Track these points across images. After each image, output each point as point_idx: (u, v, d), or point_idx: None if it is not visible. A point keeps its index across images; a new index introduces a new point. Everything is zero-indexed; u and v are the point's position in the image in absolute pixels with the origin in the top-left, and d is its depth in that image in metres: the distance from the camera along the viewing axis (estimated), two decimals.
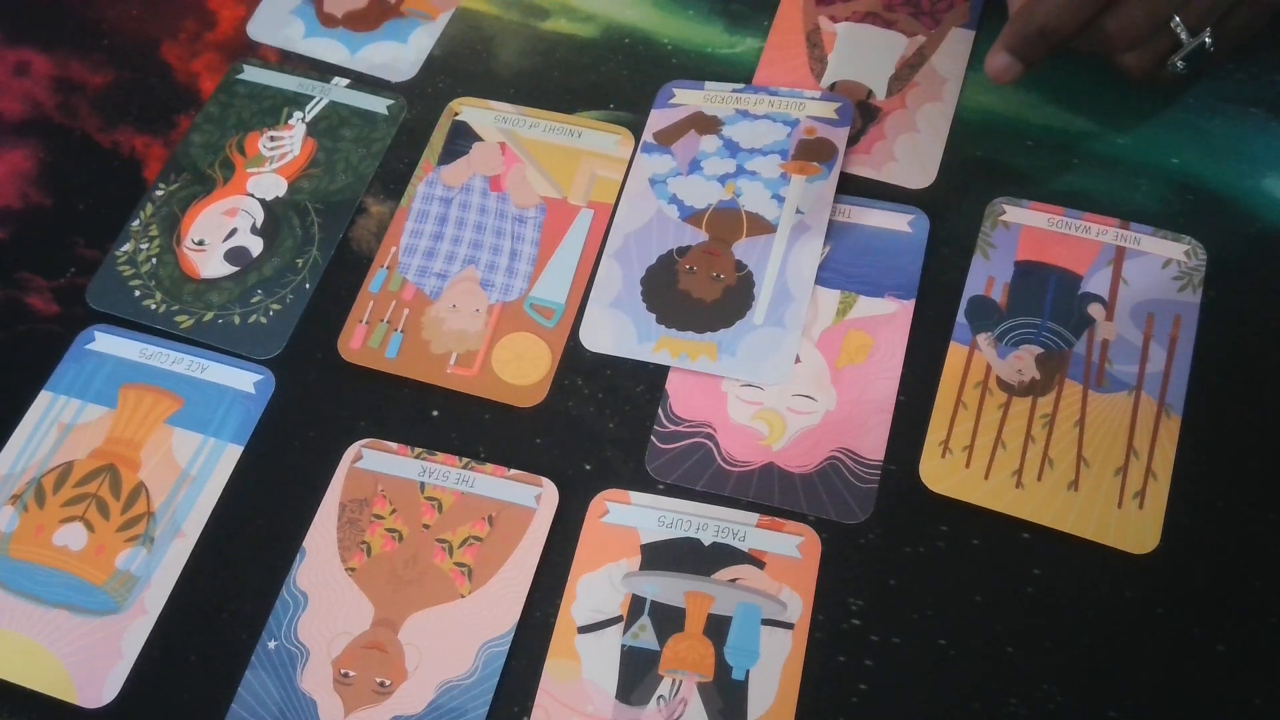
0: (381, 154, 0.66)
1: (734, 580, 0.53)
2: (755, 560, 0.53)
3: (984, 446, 0.55)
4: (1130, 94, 0.62)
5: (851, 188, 0.62)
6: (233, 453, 0.58)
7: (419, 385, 0.59)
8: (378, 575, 0.54)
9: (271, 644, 0.53)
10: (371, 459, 0.57)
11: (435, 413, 0.58)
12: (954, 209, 0.61)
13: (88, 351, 0.61)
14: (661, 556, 0.54)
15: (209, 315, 0.62)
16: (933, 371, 0.57)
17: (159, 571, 0.55)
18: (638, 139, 0.65)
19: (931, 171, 0.62)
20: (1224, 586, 0.51)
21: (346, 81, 0.68)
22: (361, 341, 0.60)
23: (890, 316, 0.58)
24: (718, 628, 0.52)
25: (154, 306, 0.62)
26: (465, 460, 0.56)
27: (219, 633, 0.54)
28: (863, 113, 0.64)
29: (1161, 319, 0.57)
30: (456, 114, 0.66)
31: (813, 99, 0.64)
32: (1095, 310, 0.57)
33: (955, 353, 0.57)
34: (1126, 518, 0.53)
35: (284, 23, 0.71)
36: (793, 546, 0.53)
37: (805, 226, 0.60)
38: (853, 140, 0.63)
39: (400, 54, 0.69)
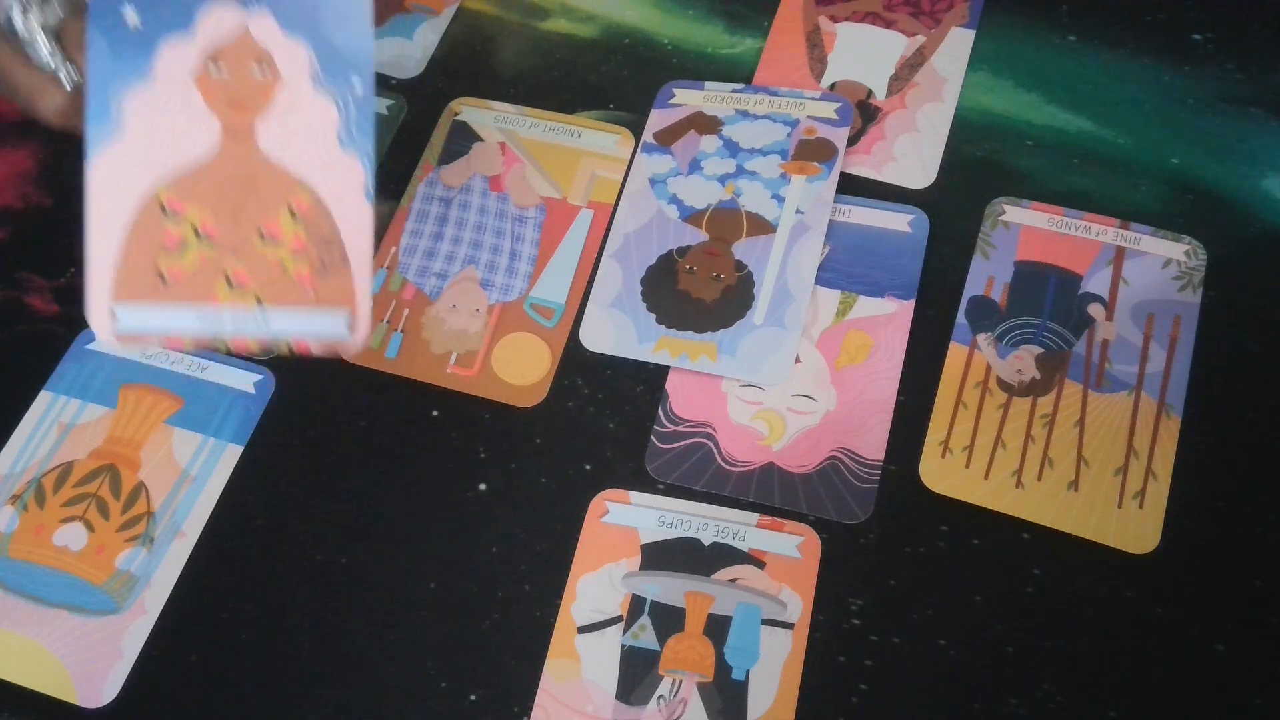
0: (381, 154, 0.65)
1: (734, 580, 0.53)
2: (755, 560, 0.53)
3: (984, 446, 0.55)
4: (1130, 94, 0.62)
5: (851, 188, 0.62)
6: (233, 453, 0.58)
7: (419, 385, 0.59)
8: None
9: None
10: None
11: (435, 413, 0.58)
12: (954, 209, 0.61)
13: (88, 351, 0.61)
14: (661, 556, 0.54)
15: None
16: (933, 371, 0.57)
17: (159, 571, 0.55)
18: (638, 139, 0.64)
19: (931, 171, 0.62)
20: (1224, 586, 0.51)
21: None
22: None
23: (890, 316, 0.58)
24: (718, 628, 0.52)
25: None
26: None
27: (219, 633, 0.54)
28: (863, 113, 0.64)
29: (1161, 319, 0.57)
30: (456, 114, 0.66)
31: (813, 99, 0.64)
32: (1095, 310, 0.57)
33: (955, 353, 0.57)
34: (1126, 518, 0.53)
35: None
36: (793, 546, 0.53)
37: (805, 226, 0.60)
38: (853, 140, 0.63)
39: (406, 50, 0.69)
